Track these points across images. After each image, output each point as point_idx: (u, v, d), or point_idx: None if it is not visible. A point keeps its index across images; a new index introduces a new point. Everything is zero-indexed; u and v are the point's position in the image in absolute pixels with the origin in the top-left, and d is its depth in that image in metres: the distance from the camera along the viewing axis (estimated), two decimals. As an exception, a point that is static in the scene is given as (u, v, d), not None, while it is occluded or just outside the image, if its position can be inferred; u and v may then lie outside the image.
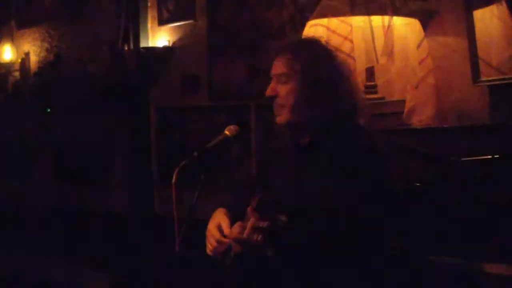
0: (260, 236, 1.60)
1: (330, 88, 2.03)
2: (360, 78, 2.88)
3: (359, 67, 2.83)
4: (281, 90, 2.03)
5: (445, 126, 2.84)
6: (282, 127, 2.07)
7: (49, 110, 5.34)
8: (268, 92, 2.04)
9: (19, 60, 5.68)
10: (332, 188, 1.89)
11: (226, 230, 2.05)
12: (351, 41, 2.76)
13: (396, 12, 2.76)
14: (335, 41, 2.74)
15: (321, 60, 2.07)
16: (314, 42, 2.13)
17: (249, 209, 1.72)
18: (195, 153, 2.11)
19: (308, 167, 2.02)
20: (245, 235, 1.66)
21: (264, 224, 1.60)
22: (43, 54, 5.47)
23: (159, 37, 4.43)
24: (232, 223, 2.11)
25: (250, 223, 1.65)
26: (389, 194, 2.00)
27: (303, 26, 2.93)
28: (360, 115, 2.11)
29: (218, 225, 2.09)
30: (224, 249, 2.07)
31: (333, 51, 2.18)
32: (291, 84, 2.01)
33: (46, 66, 5.42)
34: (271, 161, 2.22)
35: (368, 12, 2.77)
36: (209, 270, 2.08)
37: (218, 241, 2.06)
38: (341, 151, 1.94)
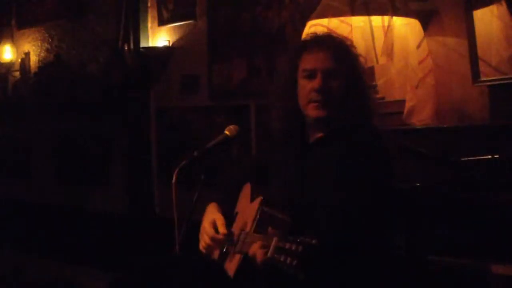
0: (295, 261, 1.58)
1: (364, 87, 2.08)
2: (360, 78, 2.88)
3: (359, 67, 2.83)
4: (332, 84, 2.03)
5: (445, 126, 2.84)
6: (316, 121, 2.07)
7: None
8: (320, 84, 2.02)
9: (19, 60, 5.67)
10: (340, 186, 1.89)
11: (221, 228, 2.05)
12: (351, 41, 2.75)
13: (396, 12, 2.76)
14: (335, 41, 2.74)
15: (358, 60, 2.13)
16: (348, 44, 2.15)
17: (270, 228, 1.71)
18: (195, 153, 2.11)
19: (316, 163, 2.02)
20: (269, 255, 1.63)
21: (293, 246, 1.59)
22: (43, 54, 5.47)
23: (159, 37, 4.43)
24: (225, 217, 2.12)
25: (273, 243, 1.63)
26: (394, 194, 2.00)
27: (303, 26, 2.93)
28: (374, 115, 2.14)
29: (213, 222, 2.09)
30: (220, 248, 2.07)
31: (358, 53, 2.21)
32: (340, 80, 2.03)
33: (46, 66, 5.42)
34: (269, 158, 2.22)
35: (368, 12, 2.77)
36: (211, 272, 2.08)
37: (212, 238, 2.06)
38: (353, 149, 1.95)
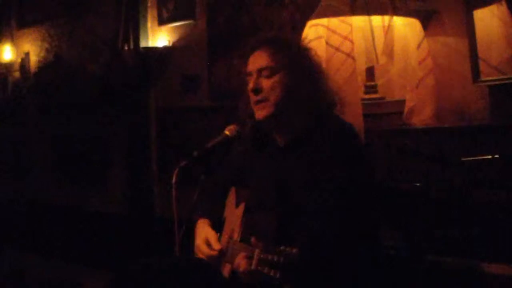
0: (277, 273, 1.58)
1: (313, 82, 2.01)
2: (360, 78, 2.88)
3: (359, 67, 2.83)
4: (265, 83, 1.99)
5: (445, 126, 2.83)
6: (262, 123, 2.04)
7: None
8: (253, 86, 2.01)
9: (19, 60, 5.67)
10: (318, 187, 1.87)
11: (215, 244, 2.04)
12: (351, 41, 2.75)
13: (396, 12, 2.76)
14: (335, 41, 2.74)
15: (302, 54, 2.05)
16: (290, 38, 2.12)
17: (253, 239, 1.70)
18: (195, 153, 2.11)
19: (291, 168, 1.99)
20: (253, 267, 1.63)
21: (275, 257, 1.58)
22: (43, 54, 5.46)
23: (159, 37, 4.43)
24: (216, 227, 2.11)
25: (256, 255, 1.63)
26: (376, 186, 1.98)
27: (303, 26, 2.93)
28: (338, 110, 2.10)
29: (206, 240, 2.08)
30: (215, 263, 2.07)
31: (307, 46, 2.16)
32: (276, 77, 1.98)
33: (46, 66, 5.42)
34: (246, 162, 2.19)
35: (368, 12, 2.76)
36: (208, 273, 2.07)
37: (208, 257, 2.05)
38: (324, 148, 1.92)
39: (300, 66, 2.01)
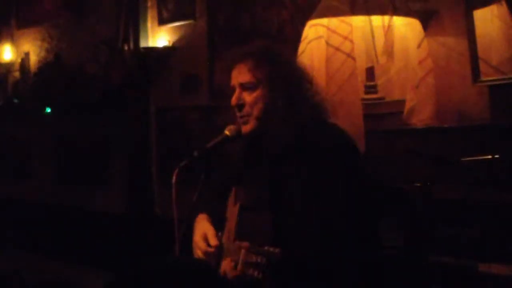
0: (260, 273, 1.58)
1: (298, 94, 2.00)
2: (360, 78, 2.88)
3: (359, 67, 2.83)
4: (248, 98, 2.00)
5: (445, 126, 2.84)
6: (249, 136, 2.05)
7: (48, 110, 5.34)
8: (234, 101, 2.02)
9: (19, 60, 5.67)
10: (312, 195, 1.87)
11: (212, 240, 2.04)
12: (351, 41, 2.75)
13: (396, 12, 2.76)
14: (335, 41, 2.74)
15: (283, 65, 2.04)
16: (271, 47, 2.09)
17: (236, 242, 1.71)
18: (195, 153, 2.11)
19: (282, 171, 1.99)
20: (238, 271, 1.65)
21: (258, 258, 1.59)
22: (43, 54, 5.47)
23: (159, 37, 4.43)
24: (216, 225, 2.11)
25: (241, 257, 1.64)
26: (371, 188, 1.98)
27: (303, 26, 2.93)
28: (327, 115, 2.09)
29: (204, 235, 2.08)
30: (214, 259, 2.07)
31: (286, 53, 2.14)
32: (258, 92, 1.99)
33: (46, 66, 5.42)
34: (242, 163, 2.20)
35: (368, 12, 2.76)
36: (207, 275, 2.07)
37: (205, 253, 2.05)
38: (315, 156, 1.92)
39: (282, 80, 2.00)
